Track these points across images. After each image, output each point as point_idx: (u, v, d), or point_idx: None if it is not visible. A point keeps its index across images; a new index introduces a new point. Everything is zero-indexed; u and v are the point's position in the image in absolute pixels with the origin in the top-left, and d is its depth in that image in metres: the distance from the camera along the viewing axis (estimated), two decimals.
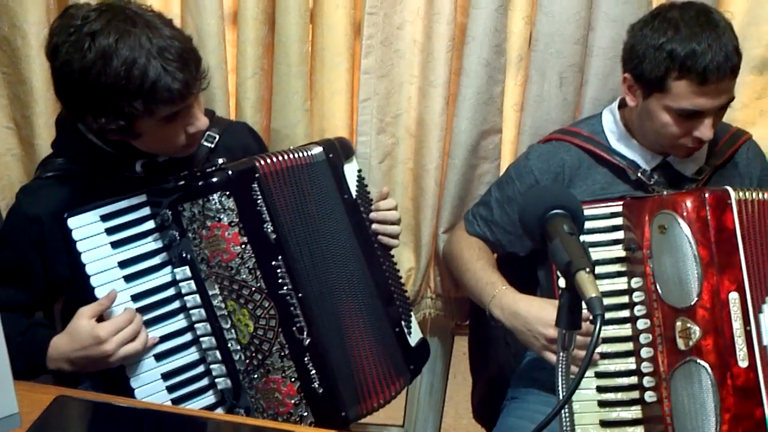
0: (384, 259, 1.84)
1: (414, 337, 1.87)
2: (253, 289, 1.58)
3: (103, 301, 1.51)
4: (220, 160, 1.60)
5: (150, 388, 1.55)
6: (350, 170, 1.82)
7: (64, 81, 1.46)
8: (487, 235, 1.96)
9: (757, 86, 2.07)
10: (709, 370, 1.56)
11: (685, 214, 1.60)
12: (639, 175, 1.81)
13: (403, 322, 1.84)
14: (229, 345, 1.58)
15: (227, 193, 1.56)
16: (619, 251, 1.71)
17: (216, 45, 1.96)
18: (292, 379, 1.60)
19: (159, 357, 1.56)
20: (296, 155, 1.70)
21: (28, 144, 2.00)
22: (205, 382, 1.60)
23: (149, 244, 1.58)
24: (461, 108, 2.05)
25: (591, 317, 1.10)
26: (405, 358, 1.83)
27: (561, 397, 1.18)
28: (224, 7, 1.99)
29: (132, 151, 1.60)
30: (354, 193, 1.81)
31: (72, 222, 1.52)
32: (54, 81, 1.50)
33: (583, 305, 1.16)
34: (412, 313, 1.90)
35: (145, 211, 1.57)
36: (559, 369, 1.19)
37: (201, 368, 1.59)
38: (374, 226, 1.82)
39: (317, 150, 1.75)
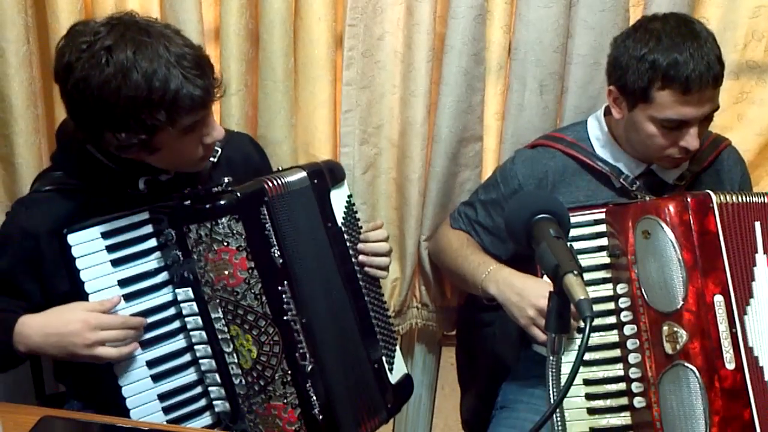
0: (369, 291, 1.80)
1: (396, 373, 1.83)
2: (258, 314, 1.54)
3: (105, 302, 1.48)
4: (226, 179, 1.55)
5: (146, 409, 1.52)
6: (339, 196, 1.78)
7: (81, 99, 1.41)
8: (470, 233, 1.97)
9: (734, 91, 2.09)
10: (697, 373, 1.57)
11: (668, 218, 1.61)
12: (622, 181, 1.82)
13: (384, 359, 1.80)
14: (230, 369, 1.55)
15: (236, 217, 1.51)
16: (603, 258, 1.71)
17: None
18: (293, 406, 1.57)
19: (156, 378, 1.53)
20: (280, 181, 1.64)
21: (9, 163, 1.97)
22: (202, 403, 1.57)
23: (150, 263, 1.54)
24: (441, 116, 2.06)
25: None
26: (382, 395, 1.79)
27: (552, 401, 1.18)
28: (204, 24, 1.98)
29: (135, 168, 1.56)
30: (340, 221, 1.76)
31: (72, 238, 1.48)
32: (68, 102, 1.46)
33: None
34: (397, 348, 1.86)
35: (148, 228, 1.54)
36: (550, 373, 1.19)
37: (198, 389, 1.57)
38: (361, 257, 1.79)
39: (301, 175, 1.70)
